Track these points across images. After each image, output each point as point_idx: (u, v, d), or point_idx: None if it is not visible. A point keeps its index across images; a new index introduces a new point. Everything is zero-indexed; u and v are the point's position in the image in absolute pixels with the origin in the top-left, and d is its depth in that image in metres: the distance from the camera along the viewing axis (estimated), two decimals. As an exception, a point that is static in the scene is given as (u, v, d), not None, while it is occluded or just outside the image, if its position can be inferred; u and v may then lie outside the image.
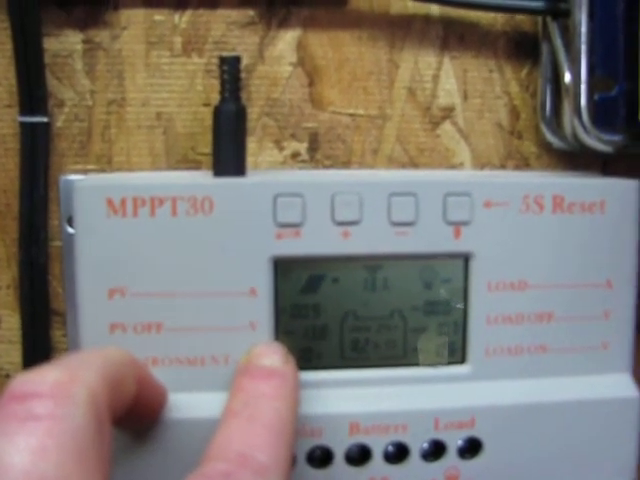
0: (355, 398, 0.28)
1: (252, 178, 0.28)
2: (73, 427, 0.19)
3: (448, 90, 0.32)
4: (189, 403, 0.27)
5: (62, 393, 0.19)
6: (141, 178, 0.30)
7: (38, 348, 0.32)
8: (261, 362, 0.26)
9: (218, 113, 0.28)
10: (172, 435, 0.27)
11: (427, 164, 0.32)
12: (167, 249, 0.27)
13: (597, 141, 0.30)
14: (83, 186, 0.27)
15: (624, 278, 0.30)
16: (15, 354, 0.32)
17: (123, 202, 0.27)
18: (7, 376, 0.32)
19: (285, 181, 0.27)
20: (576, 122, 0.30)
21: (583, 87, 0.30)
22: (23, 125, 0.30)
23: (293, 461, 0.27)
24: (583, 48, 0.29)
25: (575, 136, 0.30)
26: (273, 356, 0.26)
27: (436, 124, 0.32)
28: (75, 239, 0.27)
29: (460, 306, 0.29)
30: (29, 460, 0.18)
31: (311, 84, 0.32)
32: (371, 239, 0.28)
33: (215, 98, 0.30)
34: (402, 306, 0.29)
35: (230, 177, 0.28)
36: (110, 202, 0.27)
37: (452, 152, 0.32)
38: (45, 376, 0.20)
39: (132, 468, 0.27)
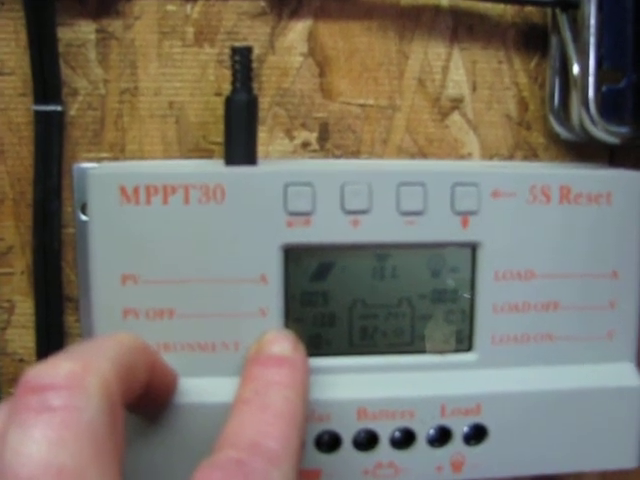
0: (363, 384, 0.29)
1: (263, 167, 0.29)
2: (88, 417, 0.19)
3: (457, 81, 0.32)
4: (200, 388, 0.28)
5: (76, 384, 0.20)
6: (154, 166, 0.31)
7: (51, 333, 0.32)
8: (271, 350, 0.27)
9: (230, 103, 0.29)
10: (183, 419, 0.28)
11: (436, 154, 0.33)
12: (179, 236, 0.27)
13: (604, 132, 0.30)
14: (97, 174, 0.27)
15: (630, 269, 0.30)
16: (29, 339, 0.33)
17: (136, 190, 0.27)
18: (21, 360, 0.33)
19: (296, 170, 0.28)
20: (584, 113, 0.30)
21: (591, 79, 0.30)
22: (37, 114, 0.31)
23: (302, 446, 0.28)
24: (592, 40, 0.30)
25: (583, 127, 0.31)
26: (283, 344, 0.27)
27: (445, 115, 0.32)
28: (89, 226, 0.28)
29: (467, 295, 0.29)
30: (47, 451, 0.18)
31: (321, 74, 0.32)
32: (380, 228, 0.28)
33: (226, 88, 0.30)
34: (410, 294, 0.29)
35: (241, 166, 0.29)
36: (123, 190, 0.27)
37: (461, 142, 0.33)
38: (59, 367, 0.20)
39: (144, 452, 0.28)
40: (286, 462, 0.22)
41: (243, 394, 0.25)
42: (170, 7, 0.31)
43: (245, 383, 0.25)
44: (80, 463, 0.18)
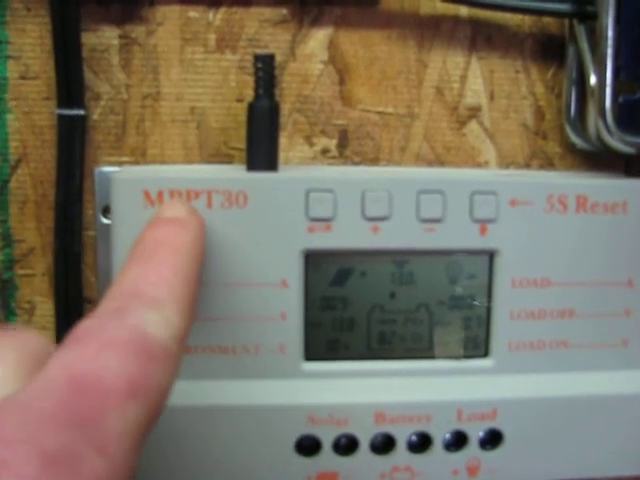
0: (381, 388, 0.29)
1: (285, 173, 0.29)
2: None
3: (475, 90, 0.33)
4: (221, 391, 0.28)
5: None
6: (176, 171, 0.31)
7: (71, 334, 0.32)
8: (163, 214, 0.26)
9: (252, 110, 0.29)
10: (205, 421, 0.28)
11: (453, 162, 0.33)
12: (202, 240, 0.28)
13: (620, 142, 0.30)
14: (121, 178, 0.28)
15: (645, 277, 0.30)
16: (49, 340, 0.33)
17: (160, 194, 0.27)
18: (40, 361, 0.33)
19: (317, 177, 0.28)
20: (600, 124, 0.30)
21: (608, 90, 0.30)
22: (60, 117, 0.31)
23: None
24: (609, 51, 0.30)
25: (599, 137, 0.31)
26: (176, 208, 0.26)
27: (463, 123, 0.33)
28: (112, 229, 0.28)
29: (484, 301, 0.30)
30: None
31: (341, 82, 0.32)
32: (400, 235, 0.29)
33: (248, 94, 0.31)
34: (428, 300, 0.30)
35: (263, 172, 0.29)
36: (147, 194, 0.27)
37: (478, 151, 0.33)
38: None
39: (163, 453, 0.28)
40: (171, 309, 0.21)
41: (130, 255, 0.23)
42: (192, 14, 0.31)
43: (134, 247, 0.24)
44: None
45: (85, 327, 0.19)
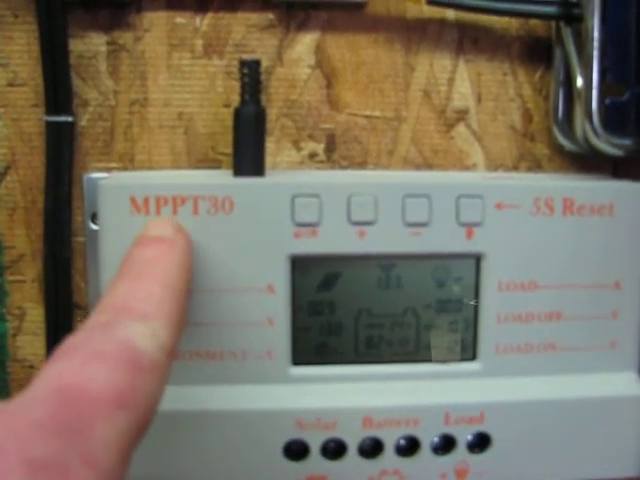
0: (368, 393, 0.29)
1: (271, 179, 0.29)
2: None
3: (462, 93, 0.33)
4: (208, 396, 0.28)
5: None
6: (163, 177, 0.31)
7: (61, 340, 0.32)
8: (150, 233, 0.26)
9: (238, 115, 0.29)
10: (191, 427, 0.28)
11: (441, 165, 0.33)
12: (188, 247, 0.28)
13: (608, 144, 0.30)
14: (107, 185, 0.28)
15: (632, 279, 0.30)
16: (39, 345, 0.33)
17: (146, 201, 0.28)
18: (31, 367, 0.33)
19: (303, 182, 0.28)
20: (587, 126, 0.30)
21: (595, 91, 0.30)
22: (48, 124, 0.31)
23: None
24: (595, 53, 0.30)
25: (586, 139, 0.31)
26: (163, 226, 0.26)
27: (450, 126, 0.33)
28: (99, 236, 0.28)
29: (472, 304, 0.30)
30: None
31: (329, 86, 0.32)
32: (386, 239, 0.29)
33: (235, 99, 0.31)
34: (415, 304, 0.30)
35: (249, 177, 0.29)
36: (134, 200, 0.28)
37: (466, 154, 0.33)
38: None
39: (148, 459, 0.28)
40: (159, 323, 0.21)
41: (119, 271, 0.24)
42: (179, 20, 0.31)
43: (123, 264, 0.24)
44: None
45: (73, 340, 0.20)
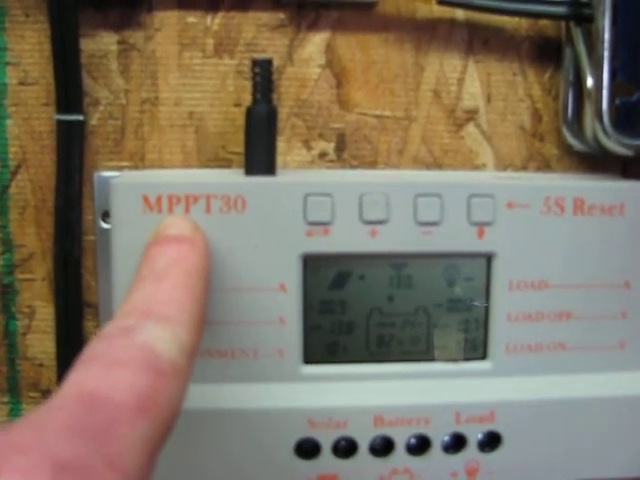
0: (380, 391, 0.29)
1: (283, 178, 0.29)
2: None
3: (472, 93, 0.33)
4: (220, 395, 0.28)
5: None
6: (175, 176, 0.31)
7: (71, 339, 0.33)
8: (169, 232, 0.26)
9: (250, 114, 0.29)
10: (203, 425, 0.28)
11: (451, 165, 0.33)
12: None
13: (617, 144, 0.31)
14: (120, 183, 0.28)
15: (642, 279, 0.30)
16: (49, 344, 0.33)
17: (159, 199, 0.28)
18: (41, 365, 0.33)
19: (315, 181, 0.28)
20: (597, 126, 0.31)
21: (605, 92, 0.30)
22: (59, 123, 0.31)
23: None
24: (605, 54, 0.30)
25: (596, 139, 0.31)
26: (182, 225, 0.26)
27: (460, 126, 0.33)
28: (112, 234, 0.28)
29: (482, 304, 0.30)
30: None
31: (339, 86, 0.32)
32: (397, 238, 0.29)
33: (246, 99, 0.31)
34: (426, 303, 0.30)
35: (261, 176, 0.29)
36: (146, 199, 0.28)
37: (475, 153, 0.33)
38: None
39: (163, 457, 0.28)
40: (181, 326, 0.21)
41: (139, 273, 0.24)
42: (190, 19, 0.31)
43: (142, 264, 0.24)
44: None
45: (95, 347, 0.20)
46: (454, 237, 0.29)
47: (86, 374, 0.19)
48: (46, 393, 0.33)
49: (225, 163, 0.32)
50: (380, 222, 0.28)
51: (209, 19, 0.31)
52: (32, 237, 0.32)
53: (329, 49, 0.32)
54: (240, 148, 0.31)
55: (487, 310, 0.30)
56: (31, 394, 0.33)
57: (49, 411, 0.17)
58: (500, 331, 0.30)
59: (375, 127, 0.33)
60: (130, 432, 0.17)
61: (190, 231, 0.26)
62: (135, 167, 0.32)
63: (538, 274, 0.30)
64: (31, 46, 0.31)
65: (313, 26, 0.32)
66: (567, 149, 0.33)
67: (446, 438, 0.30)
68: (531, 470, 0.30)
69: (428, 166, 0.33)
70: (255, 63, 0.29)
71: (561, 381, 0.30)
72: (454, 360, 0.30)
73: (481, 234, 0.29)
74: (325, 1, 0.31)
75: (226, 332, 0.28)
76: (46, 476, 0.15)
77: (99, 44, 0.31)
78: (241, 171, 0.30)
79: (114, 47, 0.31)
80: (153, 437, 0.18)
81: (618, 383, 0.31)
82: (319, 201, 0.28)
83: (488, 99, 0.33)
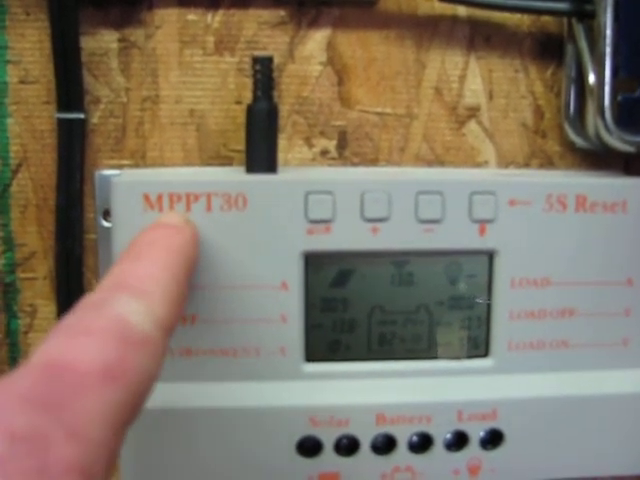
0: (381, 389, 0.29)
1: (284, 175, 0.29)
2: None
3: (474, 90, 0.33)
4: (222, 393, 0.28)
5: None
6: (176, 174, 0.31)
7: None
8: (159, 220, 0.27)
9: (251, 112, 0.29)
10: (205, 423, 0.28)
11: (453, 162, 0.33)
12: (202, 243, 0.28)
13: (620, 141, 0.30)
14: (121, 181, 0.28)
15: (645, 276, 0.30)
16: (50, 343, 0.33)
17: (159, 198, 0.28)
18: (43, 364, 0.33)
19: (316, 179, 0.28)
20: (599, 122, 0.30)
21: (607, 88, 0.30)
22: (60, 121, 0.31)
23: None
24: (608, 50, 0.30)
25: (598, 136, 0.31)
26: (171, 216, 0.27)
27: (462, 123, 0.33)
28: (112, 233, 0.28)
29: (484, 301, 0.30)
30: None
31: (340, 83, 0.32)
32: (399, 235, 0.29)
33: (247, 96, 0.31)
34: (428, 301, 0.30)
35: (262, 174, 0.29)
36: (147, 197, 0.28)
37: (477, 151, 0.33)
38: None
39: (160, 455, 0.29)
40: (154, 300, 0.21)
41: (122, 253, 0.24)
42: (191, 16, 0.31)
43: (128, 246, 0.24)
44: None
45: (66, 319, 0.20)
46: (456, 234, 0.29)
47: (53, 343, 0.18)
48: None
49: (226, 161, 0.32)
50: (381, 220, 0.28)
51: (210, 16, 0.31)
52: (33, 236, 0.32)
53: (330, 46, 0.32)
54: (241, 146, 0.31)
55: (489, 307, 0.30)
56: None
57: (9, 381, 0.17)
58: (502, 329, 0.30)
59: (376, 124, 0.33)
60: (94, 401, 0.17)
61: (178, 220, 0.26)
62: (136, 165, 0.32)
63: (540, 271, 0.30)
64: (32, 44, 0.31)
65: (314, 23, 0.32)
66: (569, 146, 0.33)
67: (448, 436, 0.30)
68: (533, 468, 0.30)
69: (430, 163, 0.33)
70: (256, 61, 0.29)
71: (564, 379, 0.30)
72: (456, 358, 0.30)
73: (483, 231, 0.29)
74: (326, -2, 0.31)
75: (228, 330, 0.28)
76: (1, 447, 0.15)
77: (99, 42, 0.31)
78: (242, 169, 0.30)
79: (114, 45, 0.31)
80: (120, 407, 0.18)
81: (621, 380, 0.30)
82: (320, 199, 0.28)
83: (490, 96, 0.33)
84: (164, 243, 0.24)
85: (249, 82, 0.30)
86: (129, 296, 0.20)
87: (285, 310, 0.28)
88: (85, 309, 0.20)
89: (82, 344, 0.18)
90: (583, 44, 0.31)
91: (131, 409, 0.18)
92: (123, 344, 0.19)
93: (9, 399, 0.16)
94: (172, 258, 0.23)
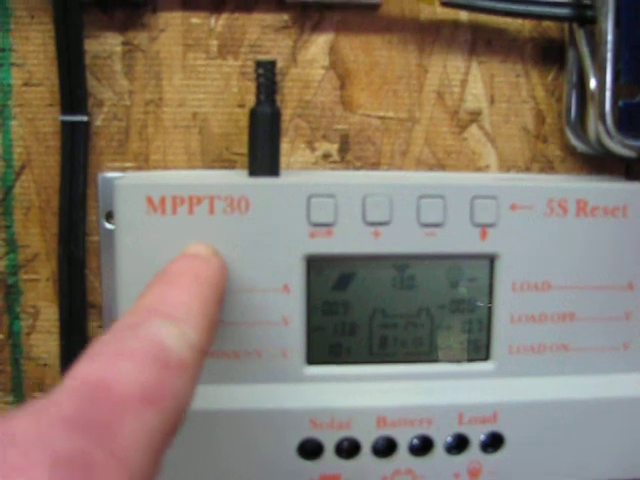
0: (382, 392, 0.29)
1: (287, 179, 0.29)
2: None
3: (475, 94, 0.33)
4: (223, 395, 0.28)
5: None
6: (179, 177, 0.31)
7: (75, 339, 0.33)
8: (187, 251, 0.27)
9: (254, 115, 0.29)
10: (206, 425, 0.28)
11: (454, 166, 0.33)
12: (204, 246, 0.28)
13: (620, 146, 0.31)
14: (124, 184, 0.28)
15: (645, 281, 0.30)
16: (53, 344, 0.33)
17: (163, 200, 0.28)
18: (45, 365, 0.33)
19: (318, 182, 0.28)
20: (600, 127, 0.31)
21: (608, 93, 0.30)
22: (64, 124, 0.31)
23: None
24: (609, 55, 0.30)
25: (599, 141, 0.31)
26: (199, 247, 0.27)
27: (463, 127, 0.33)
28: (116, 235, 0.28)
29: (485, 305, 0.30)
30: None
31: (342, 87, 0.32)
32: (400, 239, 0.29)
33: (249, 100, 0.31)
34: (429, 304, 0.30)
35: (265, 177, 0.29)
36: (150, 200, 0.28)
37: (478, 155, 0.33)
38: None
39: (165, 457, 0.29)
40: (187, 325, 0.21)
41: (152, 279, 0.24)
42: (195, 20, 0.32)
43: (157, 274, 0.24)
44: None
45: (101, 340, 0.20)
46: (457, 238, 0.29)
47: (90, 365, 0.18)
48: (50, 393, 0.33)
49: (229, 164, 0.32)
50: (383, 223, 0.28)
51: (213, 20, 0.32)
52: (36, 237, 0.32)
53: (333, 50, 0.32)
54: (244, 149, 0.31)
55: (490, 311, 0.30)
56: (35, 394, 0.33)
57: (49, 403, 0.17)
58: (503, 332, 0.30)
59: (378, 128, 0.33)
60: (134, 425, 0.17)
61: (206, 252, 0.27)
62: (139, 168, 0.32)
63: (541, 275, 0.30)
64: (36, 47, 0.31)
65: (317, 27, 0.32)
66: (570, 150, 0.33)
67: (449, 439, 0.30)
68: (534, 471, 0.30)
69: (431, 167, 0.33)
70: (259, 64, 0.29)
71: (564, 382, 0.30)
72: (457, 361, 0.30)
73: (484, 235, 0.29)
74: (329, 2, 0.31)
75: (230, 333, 0.28)
76: (44, 472, 0.15)
77: (103, 45, 0.31)
78: (245, 172, 0.30)
79: (118, 48, 0.32)
80: (159, 431, 0.18)
81: (621, 384, 0.31)
82: (322, 202, 0.28)
83: (491, 100, 0.33)
84: (193, 272, 0.24)
85: (252, 86, 0.30)
86: (163, 320, 0.21)
87: (287, 313, 0.29)
88: (120, 331, 0.20)
89: (119, 366, 0.18)
90: (584, 49, 0.31)
91: (168, 433, 0.18)
92: (160, 367, 0.19)
93: (51, 422, 0.16)
94: (202, 287, 0.23)
